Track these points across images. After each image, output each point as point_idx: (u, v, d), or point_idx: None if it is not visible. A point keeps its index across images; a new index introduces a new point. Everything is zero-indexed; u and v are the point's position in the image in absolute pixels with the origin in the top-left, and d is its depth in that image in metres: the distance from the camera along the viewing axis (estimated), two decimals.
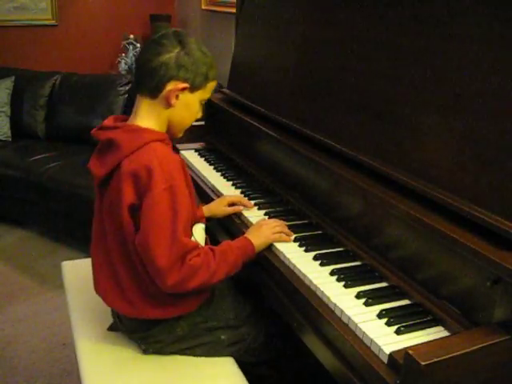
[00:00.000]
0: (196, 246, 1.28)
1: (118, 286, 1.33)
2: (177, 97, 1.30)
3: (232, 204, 1.61)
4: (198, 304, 1.39)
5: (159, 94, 1.29)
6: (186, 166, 1.34)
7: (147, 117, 1.32)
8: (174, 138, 1.40)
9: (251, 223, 1.50)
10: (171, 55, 1.27)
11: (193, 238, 1.34)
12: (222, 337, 1.43)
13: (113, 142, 1.27)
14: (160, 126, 1.33)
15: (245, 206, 1.61)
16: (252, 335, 1.47)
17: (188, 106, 1.34)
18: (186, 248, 1.24)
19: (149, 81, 1.29)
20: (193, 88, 1.31)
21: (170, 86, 1.28)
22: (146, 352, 1.41)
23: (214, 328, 1.43)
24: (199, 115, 1.39)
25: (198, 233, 1.39)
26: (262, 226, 1.42)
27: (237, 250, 1.34)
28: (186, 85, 1.29)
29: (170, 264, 1.22)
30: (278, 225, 1.43)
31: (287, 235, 1.41)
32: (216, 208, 1.62)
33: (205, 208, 1.62)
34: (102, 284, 1.37)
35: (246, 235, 1.40)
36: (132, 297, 1.32)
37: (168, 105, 1.31)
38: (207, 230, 1.48)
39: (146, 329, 1.38)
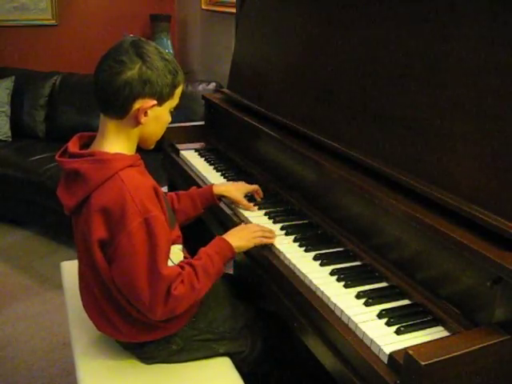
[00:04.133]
0: (178, 272, 1.22)
1: (102, 314, 1.30)
2: (145, 113, 1.22)
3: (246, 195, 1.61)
4: (186, 321, 1.36)
5: (126, 115, 1.22)
6: (158, 188, 1.26)
7: (116, 139, 1.25)
8: (147, 149, 1.34)
9: (251, 223, 1.50)
10: (133, 72, 1.18)
11: (169, 262, 1.26)
12: (220, 350, 1.41)
13: (79, 174, 1.20)
14: (130, 146, 1.27)
15: (258, 196, 1.64)
16: (249, 346, 1.45)
17: (158, 119, 1.27)
18: (168, 280, 1.19)
19: (113, 102, 1.20)
20: (161, 101, 1.24)
21: (138, 105, 1.21)
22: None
23: (210, 340, 1.40)
24: (169, 121, 1.33)
25: (175, 255, 1.31)
26: (243, 230, 1.40)
27: (217, 258, 1.30)
28: (154, 102, 1.22)
29: (155, 300, 1.18)
30: (258, 229, 1.39)
31: (269, 238, 1.38)
32: (234, 190, 1.59)
33: (220, 186, 1.61)
34: (89, 311, 1.36)
35: (224, 236, 1.36)
36: (117, 324, 1.29)
37: (137, 123, 1.24)
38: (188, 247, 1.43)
39: (139, 346, 1.36)
